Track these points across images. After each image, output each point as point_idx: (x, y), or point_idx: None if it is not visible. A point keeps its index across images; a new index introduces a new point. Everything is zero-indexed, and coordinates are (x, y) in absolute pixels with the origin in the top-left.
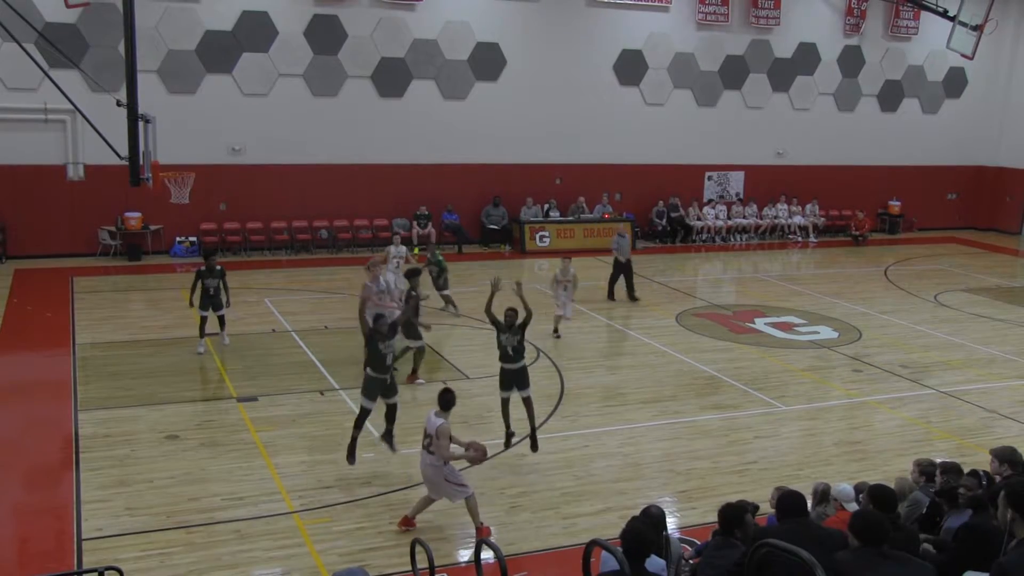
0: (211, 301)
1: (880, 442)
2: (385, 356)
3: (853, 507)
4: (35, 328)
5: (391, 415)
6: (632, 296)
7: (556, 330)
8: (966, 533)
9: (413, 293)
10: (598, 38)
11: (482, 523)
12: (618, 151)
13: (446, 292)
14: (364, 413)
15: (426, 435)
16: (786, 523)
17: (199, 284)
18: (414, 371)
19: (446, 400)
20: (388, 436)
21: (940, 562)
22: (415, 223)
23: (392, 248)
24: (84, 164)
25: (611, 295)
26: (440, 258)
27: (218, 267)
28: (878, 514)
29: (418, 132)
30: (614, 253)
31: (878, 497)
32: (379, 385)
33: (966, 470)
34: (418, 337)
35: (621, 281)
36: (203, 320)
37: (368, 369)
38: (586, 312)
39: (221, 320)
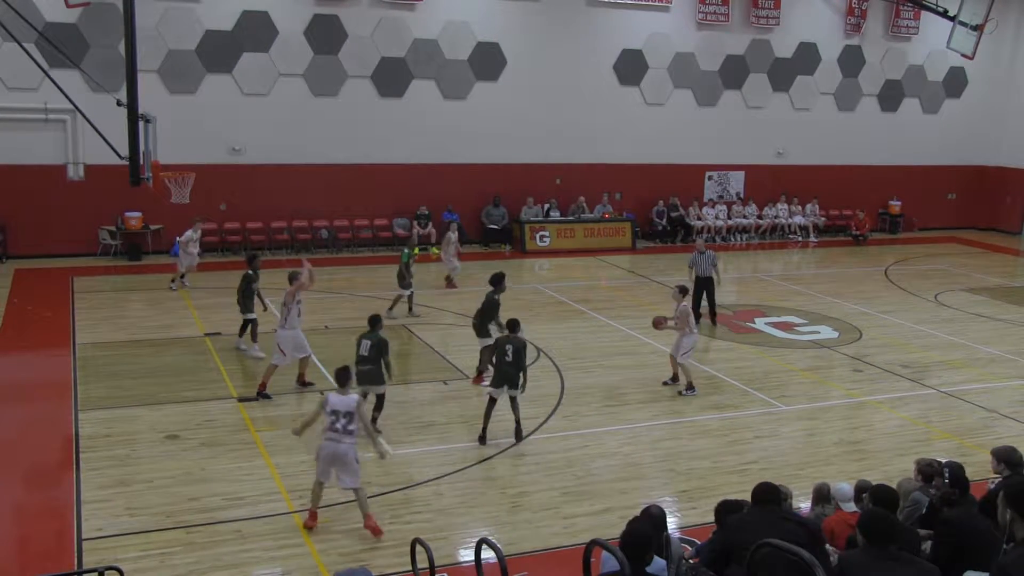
0: (254, 304)
1: (880, 442)
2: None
3: (850, 507)
4: (35, 328)
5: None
6: (712, 316)
7: None
8: (943, 527)
9: (496, 297)
10: (598, 38)
11: (370, 514)
12: (618, 151)
13: (406, 293)
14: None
15: (341, 415)
16: (754, 511)
17: (248, 288)
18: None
19: (344, 376)
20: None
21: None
22: (415, 223)
23: (451, 234)
24: (84, 164)
25: (696, 317)
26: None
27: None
28: (887, 514)
29: (418, 132)
30: (692, 270)
31: (879, 498)
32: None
33: (967, 470)
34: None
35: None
36: (255, 323)
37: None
38: (586, 312)
39: (254, 324)
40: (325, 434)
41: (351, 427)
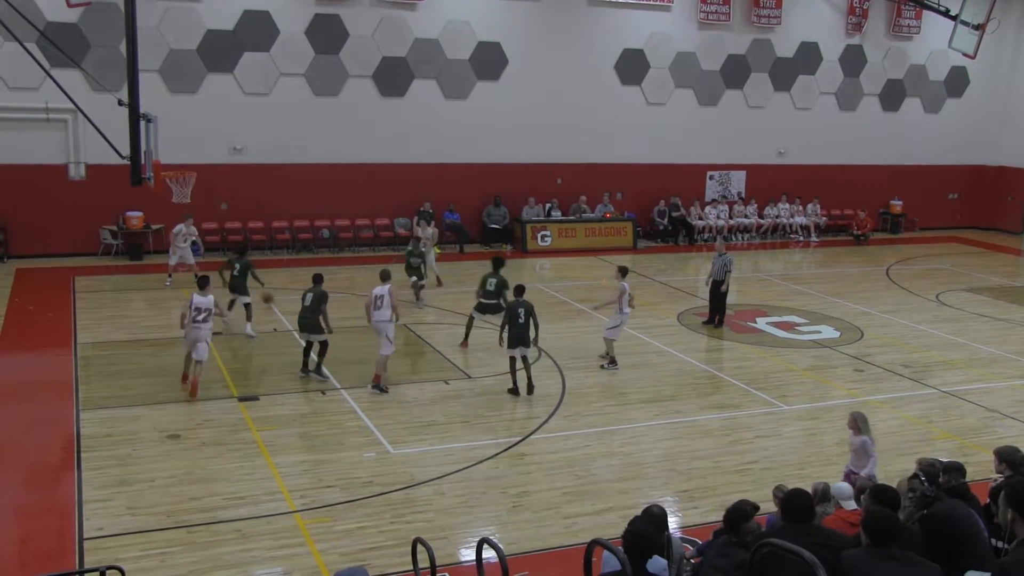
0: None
1: (882, 442)
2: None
3: (851, 505)
4: (36, 328)
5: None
6: (712, 321)
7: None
8: (930, 523)
9: (504, 276)
10: (599, 37)
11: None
12: (619, 151)
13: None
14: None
15: (203, 310)
16: (793, 526)
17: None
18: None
19: (204, 282)
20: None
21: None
22: (418, 221)
23: (419, 231)
24: (85, 163)
25: (710, 319)
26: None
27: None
28: (890, 513)
29: (419, 132)
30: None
31: (881, 497)
32: None
33: (969, 470)
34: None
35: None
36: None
37: None
38: (587, 312)
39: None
40: (192, 324)
41: (209, 319)
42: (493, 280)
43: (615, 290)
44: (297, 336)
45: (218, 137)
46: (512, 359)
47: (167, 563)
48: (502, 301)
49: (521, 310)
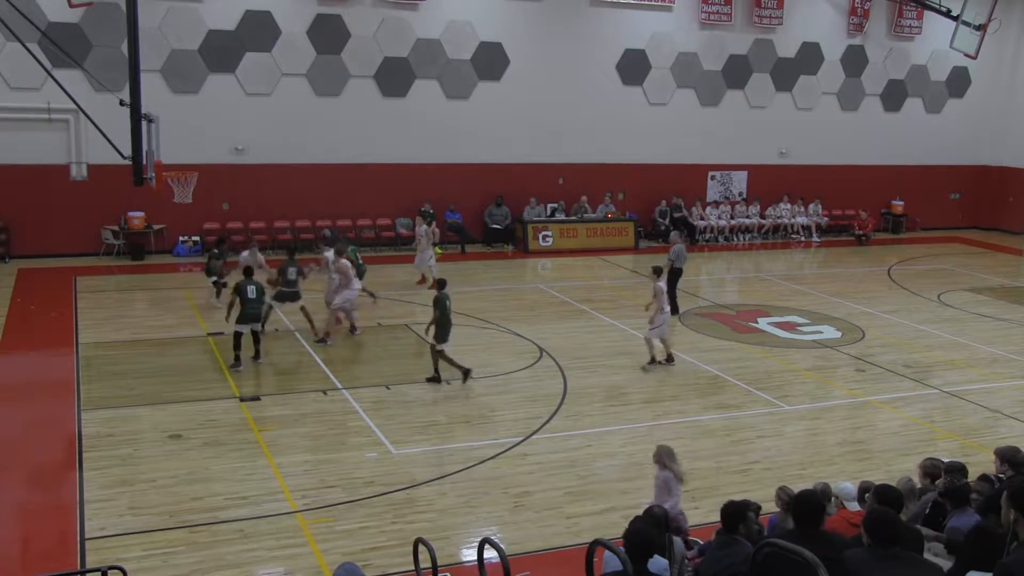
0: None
1: (883, 442)
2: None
3: (855, 506)
4: (38, 328)
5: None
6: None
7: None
8: (978, 536)
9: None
10: (601, 38)
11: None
12: (621, 151)
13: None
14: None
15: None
16: (801, 532)
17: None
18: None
19: (332, 240)
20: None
21: (953, 565)
22: (421, 220)
23: (417, 228)
24: (87, 164)
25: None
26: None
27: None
28: (892, 514)
29: (421, 132)
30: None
31: (883, 498)
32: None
33: (970, 470)
34: None
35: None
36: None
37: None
38: (588, 312)
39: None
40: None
41: (335, 277)
42: (294, 269)
43: (655, 292)
44: (247, 327)
45: (220, 137)
46: (440, 351)
47: (169, 563)
48: (300, 290)
49: (449, 303)
